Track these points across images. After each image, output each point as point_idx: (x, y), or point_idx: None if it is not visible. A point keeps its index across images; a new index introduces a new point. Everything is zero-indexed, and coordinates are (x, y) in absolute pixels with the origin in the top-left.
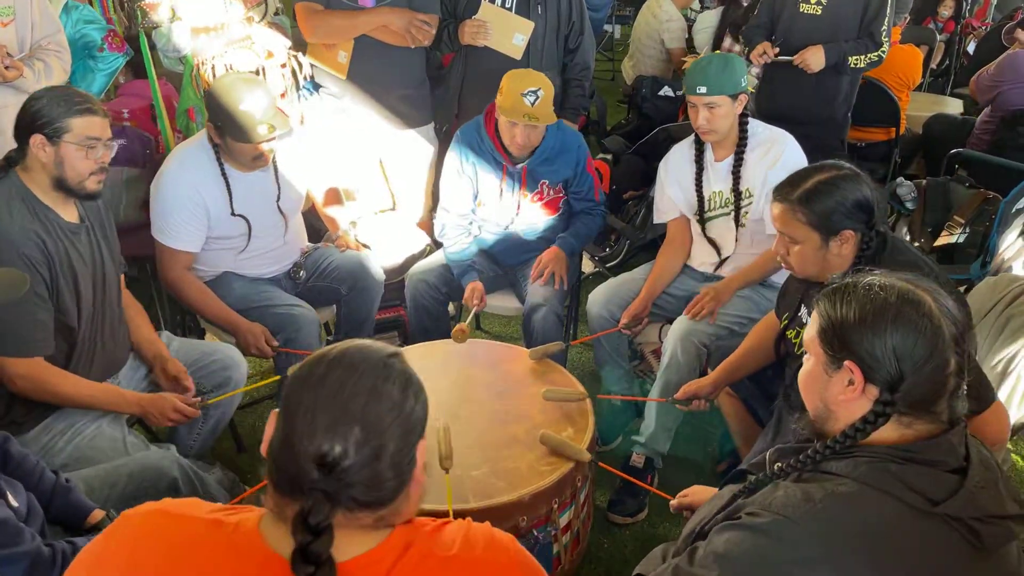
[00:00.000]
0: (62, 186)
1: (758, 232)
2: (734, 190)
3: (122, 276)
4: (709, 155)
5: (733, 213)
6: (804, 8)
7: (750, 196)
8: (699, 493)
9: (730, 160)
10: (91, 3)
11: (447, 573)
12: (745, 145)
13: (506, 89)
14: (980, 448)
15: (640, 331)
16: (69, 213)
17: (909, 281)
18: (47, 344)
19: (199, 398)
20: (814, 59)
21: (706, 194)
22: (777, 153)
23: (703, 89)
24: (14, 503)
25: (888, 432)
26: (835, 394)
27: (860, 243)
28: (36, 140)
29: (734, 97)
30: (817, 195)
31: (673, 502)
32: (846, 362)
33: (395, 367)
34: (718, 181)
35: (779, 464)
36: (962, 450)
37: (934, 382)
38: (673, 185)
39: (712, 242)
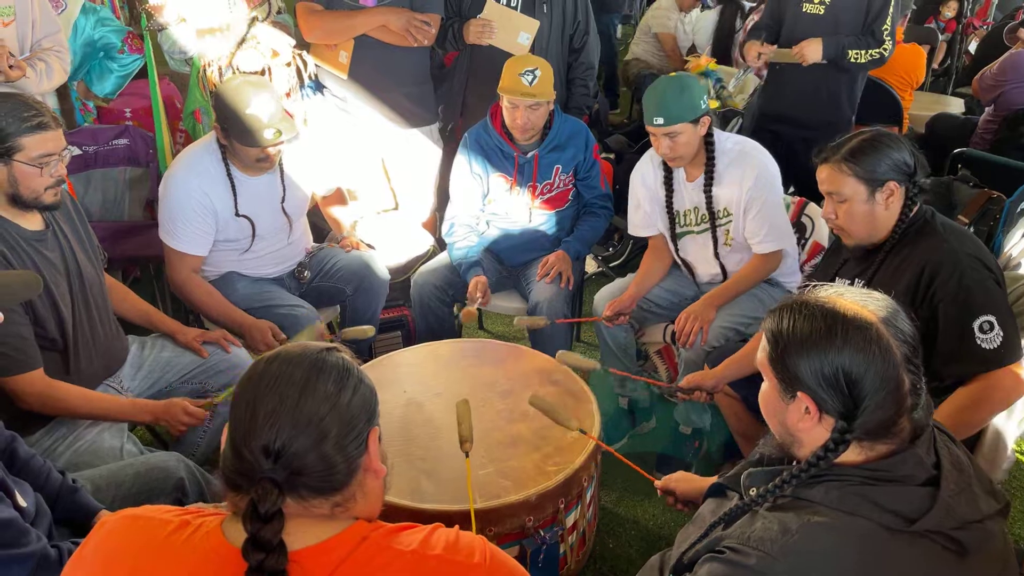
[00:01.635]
0: (18, 202)
1: (747, 249)
2: (709, 209)
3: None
4: (681, 175)
5: (710, 231)
6: (807, 8)
7: (728, 215)
8: (684, 481)
9: (701, 179)
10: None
11: (402, 568)
12: (714, 164)
13: (506, 72)
14: (951, 447)
15: (621, 323)
16: (31, 222)
17: (855, 300)
18: (36, 357)
19: (208, 399)
20: (811, 50)
21: (679, 210)
22: (751, 168)
23: (660, 120)
24: (22, 503)
25: (852, 455)
26: (794, 422)
27: (905, 197)
28: None
29: (695, 122)
30: (861, 150)
31: (659, 483)
32: (799, 393)
33: (329, 360)
34: (692, 199)
35: (753, 490)
36: (931, 458)
37: (891, 407)
38: (647, 200)
39: (685, 263)
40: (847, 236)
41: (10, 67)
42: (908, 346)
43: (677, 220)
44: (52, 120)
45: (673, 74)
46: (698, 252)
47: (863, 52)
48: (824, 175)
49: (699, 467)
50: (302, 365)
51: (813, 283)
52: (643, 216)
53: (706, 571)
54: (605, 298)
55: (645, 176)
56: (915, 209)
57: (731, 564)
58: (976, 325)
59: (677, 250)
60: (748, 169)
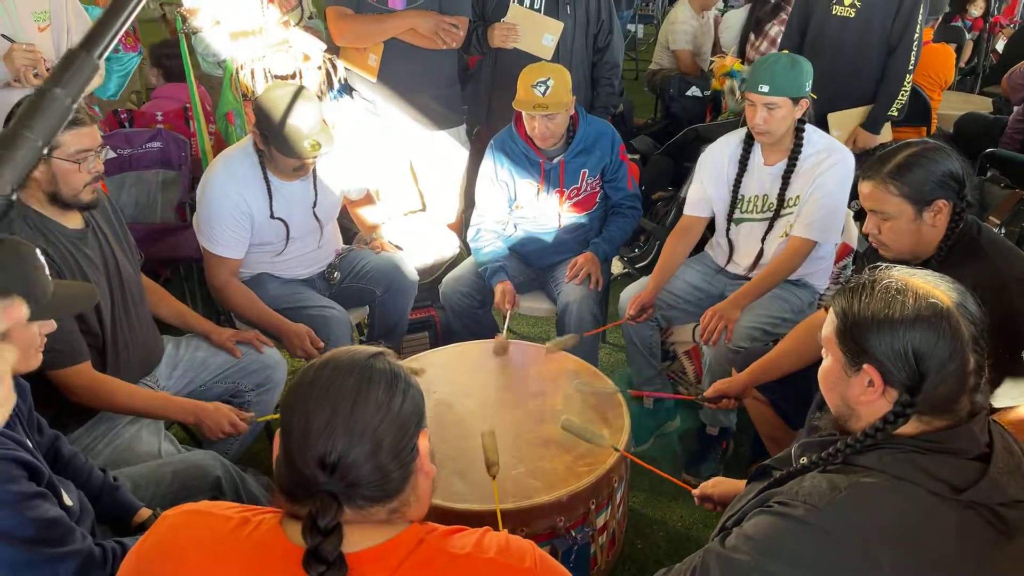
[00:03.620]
0: (57, 200)
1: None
2: (780, 196)
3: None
4: (757, 157)
5: (768, 222)
6: (837, 11)
7: (796, 204)
8: (722, 484)
9: (781, 165)
10: None
11: (458, 570)
12: (799, 152)
13: (519, 84)
14: (1004, 434)
15: (645, 319)
16: (71, 220)
17: (927, 280)
18: (83, 350)
19: (252, 414)
20: (864, 139)
21: (743, 196)
22: (831, 161)
23: (765, 88)
24: (68, 502)
25: (909, 427)
26: (856, 394)
27: (952, 213)
28: None
29: (796, 101)
30: (908, 167)
31: (695, 491)
32: (865, 365)
33: (378, 367)
34: (763, 185)
35: (804, 459)
36: (984, 437)
37: (955, 383)
38: (710, 180)
39: (731, 243)
40: (887, 251)
41: (47, 70)
42: (976, 327)
43: (739, 205)
44: (87, 116)
45: (785, 52)
46: (746, 239)
47: (898, 98)
48: (867, 191)
49: (727, 468)
50: (353, 373)
51: (881, 264)
52: (701, 195)
53: (753, 523)
54: (630, 296)
55: (718, 155)
56: (960, 224)
57: (778, 515)
58: None
59: (728, 231)
60: (827, 161)
